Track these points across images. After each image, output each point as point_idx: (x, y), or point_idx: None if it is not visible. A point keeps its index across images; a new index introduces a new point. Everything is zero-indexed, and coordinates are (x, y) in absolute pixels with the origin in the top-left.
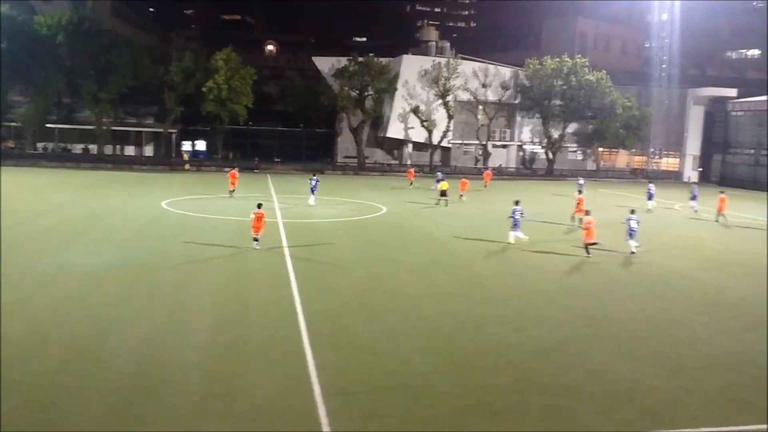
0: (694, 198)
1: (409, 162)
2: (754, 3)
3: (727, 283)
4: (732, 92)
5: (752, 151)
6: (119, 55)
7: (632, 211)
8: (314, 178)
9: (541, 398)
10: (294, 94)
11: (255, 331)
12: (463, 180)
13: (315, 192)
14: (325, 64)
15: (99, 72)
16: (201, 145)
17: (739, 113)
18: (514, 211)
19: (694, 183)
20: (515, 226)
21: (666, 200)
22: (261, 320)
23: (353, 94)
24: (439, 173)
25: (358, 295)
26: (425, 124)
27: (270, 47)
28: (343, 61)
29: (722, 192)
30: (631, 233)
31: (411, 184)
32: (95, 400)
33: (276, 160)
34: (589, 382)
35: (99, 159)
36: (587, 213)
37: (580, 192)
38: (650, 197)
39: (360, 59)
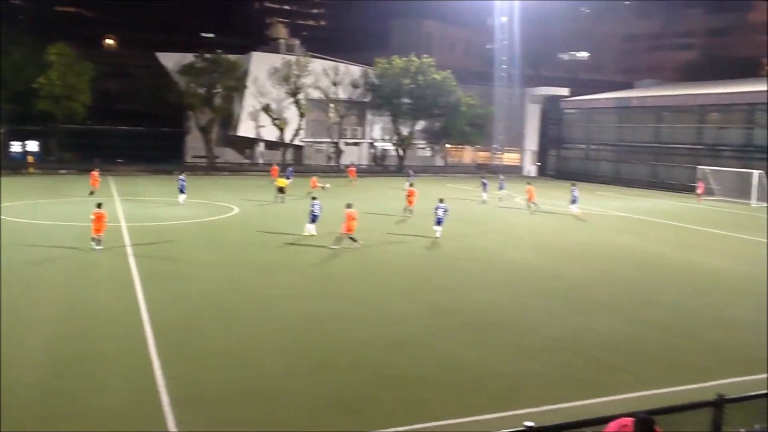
0: (501, 188)
1: (261, 161)
2: (583, 9)
3: (561, 269)
4: (565, 91)
5: (583, 146)
6: None
7: (440, 200)
8: (182, 177)
9: (396, 391)
10: (138, 92)
11: (99, 343)
12: (313, 178)
13: (184, 191)
14: (171, 60)
15: None
16: (32, 145)
17: (571, 111)
18: (313, 205)
19: (501, 175)
20: (313, 219)
21: (507, 193)
22: (105, 331)
23: (201, 91)
24: (289, 169)
25: (211, 299)
26: (277, 122)
27: (110, 42)
28: (189, 57)
29: (529, 183)
30: (438, 220)
31: (273, 181)
32: None
33: (118, 160)
34: (440, 372)
35: None
36: (349, 206)
37: (411, 185)
38: (484, 189)
39: (207, 56)
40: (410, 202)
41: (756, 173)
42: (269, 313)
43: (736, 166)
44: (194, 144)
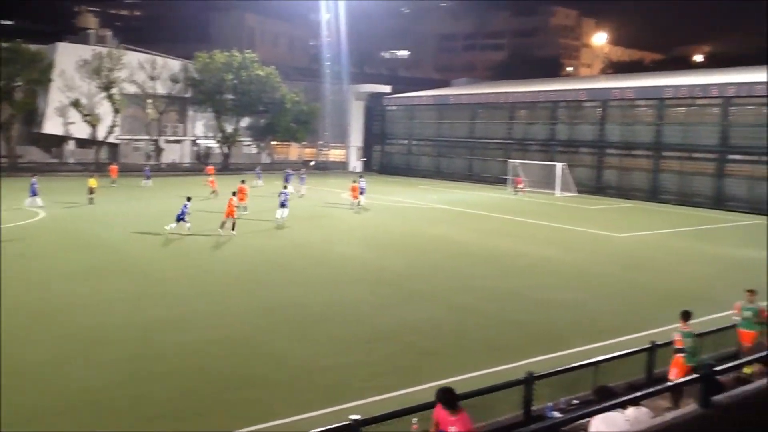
0: (287, 179)
1: (71, 160)
2: (402, 9)
3: (384, 261)
4: (387, 89)
5: (405, 141)
6: None
7: (285, 186)
8: (34, 180)
9: (224, 394)
10: None
11: None
12: (211, 180)
13: (36, 195)
14: None
15: None
16: None
17: (393, 108)
18: (185, 206)
19: (288, 170)
20: (181, 218)
21: (334, 189)
22: None
23: None
24: (146, 169)
25: (10, 312)
26: (88, 118)
27: None
28: None
29: (354, 181)
30: (282, 203)
31: (114, 182)
32: None
33: None
34: (270, 371)
35: None
36: (234, 194)
37: (243, 182)
38: (286, 179)
39: (4, 45)
40: (241, 199)
41: (559, 165)
42: (81, 323)
43: (542, 159)
44: None
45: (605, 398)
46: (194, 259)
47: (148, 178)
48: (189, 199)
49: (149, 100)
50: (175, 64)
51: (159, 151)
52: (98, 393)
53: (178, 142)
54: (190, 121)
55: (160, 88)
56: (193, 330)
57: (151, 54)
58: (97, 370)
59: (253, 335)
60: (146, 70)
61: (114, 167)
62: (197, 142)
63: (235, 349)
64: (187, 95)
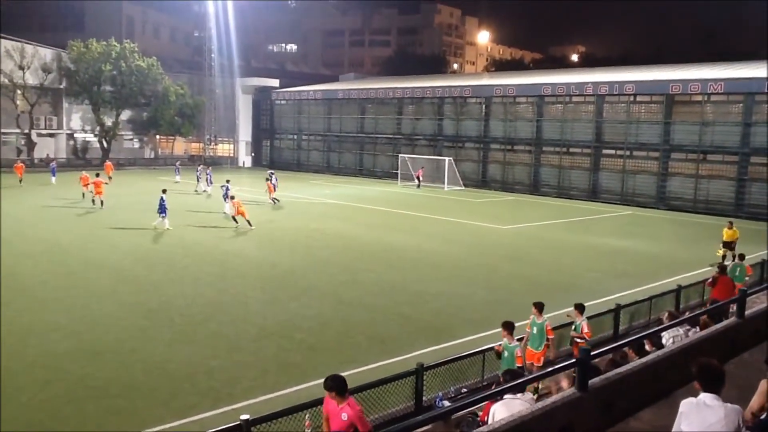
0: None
1: None
2: (290, 2)
3: (274, 257)
4: (275, 82)
5: (295, 136)
6: None
7: (227, 181)
8: None
9: (97, 403)
10: None
11: None
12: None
13: None
14: None
15: None
16: None
17: (282, 102)
18: (162, 200)
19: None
20: (163, 212)
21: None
22: None
23: None
24: (52, 165)
25: None
26: None
27: None
28: None
29: (268, 179)
30: (224, 197)
31: (20, 181)
32: None
33: None
34: (149, 376)
35: None
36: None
37: (97, 174)
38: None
39: None
40: (98, 193)
41: (447, 160)
42: None
43: (430, 154)
44: None
45: (513, 380)
46: (62, 261)
47: (53, 174)
48: (165, 191)
49: (18, 91)
50: (46, 53)
51: (31, 145)
52: None
53: (52, 135)
54: (65, 113)
55: (31, 78)
56: (66, 337)
57: (20, 41)
58: None
59: (130, 340)
60: (14, 59)
61: (19, 165)
62: (74, 135)
63: (110, 355)
64: (62, 86)
